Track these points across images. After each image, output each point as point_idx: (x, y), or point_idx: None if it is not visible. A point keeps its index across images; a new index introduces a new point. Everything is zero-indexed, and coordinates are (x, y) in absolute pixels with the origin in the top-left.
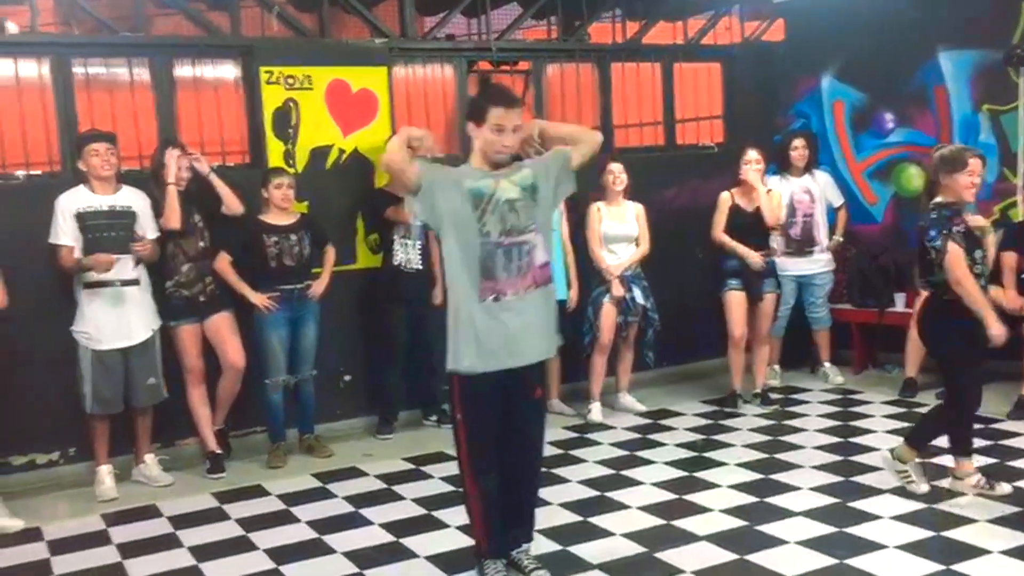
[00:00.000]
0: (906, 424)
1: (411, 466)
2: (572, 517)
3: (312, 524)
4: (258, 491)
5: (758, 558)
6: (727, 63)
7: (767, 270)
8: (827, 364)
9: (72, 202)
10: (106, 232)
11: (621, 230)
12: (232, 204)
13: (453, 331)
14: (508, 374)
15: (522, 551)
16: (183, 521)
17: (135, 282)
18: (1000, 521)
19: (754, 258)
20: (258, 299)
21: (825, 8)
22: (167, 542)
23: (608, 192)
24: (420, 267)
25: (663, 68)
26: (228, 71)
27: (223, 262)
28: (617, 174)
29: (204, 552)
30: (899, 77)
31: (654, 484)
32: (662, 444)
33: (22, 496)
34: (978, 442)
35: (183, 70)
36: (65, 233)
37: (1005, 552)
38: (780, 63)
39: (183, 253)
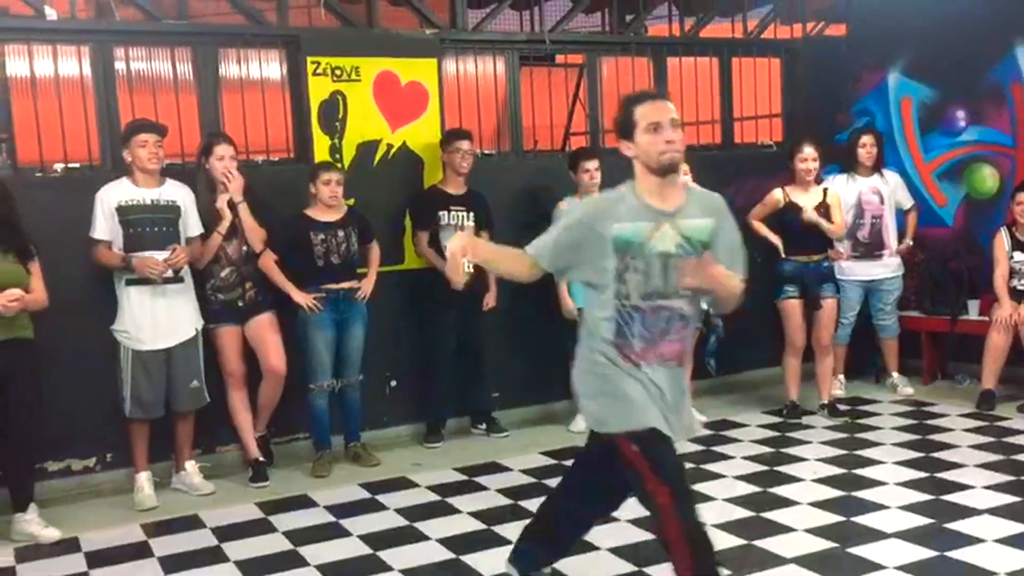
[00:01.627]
0: (990, 438)
1: (463, 477)
2: (643, 535)
3: (365, 539)
4: (305, 501)
5: None
6: (787, 58)
7: (825, 275)
8: (895, 374)
9: (114, 195)
10: (149, 227)
11: None
12: (254, 240)
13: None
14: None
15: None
16: (227, 533)
17: (179, 279)
18: None
19: (774, 240)
20: (303, 299)
21: (890, 6)
22: (212, 556)
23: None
24: (470, 270)
25: (721, 63)
26: (274, 62)
27: (268, 260)
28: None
29: (252, 567)
30: (972, 72)
31: (727, 500)
32: (730, 457)
33: (58, 504)
34: None
35: (228, 60)
36: (104, 228)
37: None
38: (843, 58)
39: (225, 256)
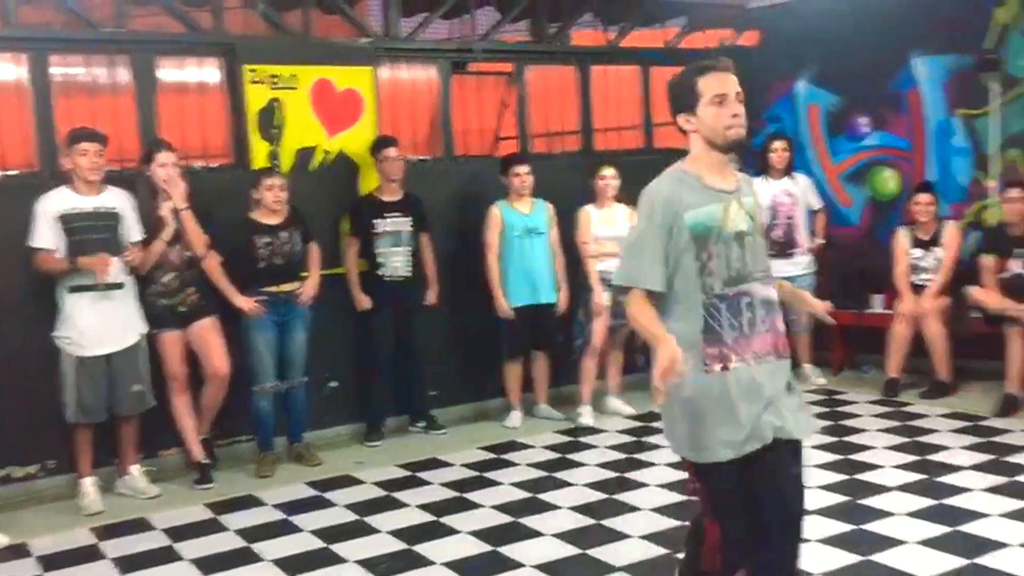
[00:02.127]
0: (896, 423)
1: (407, 472)
2: (585, 520)
3: (317, 533)
4: (252, 501)
5: None
6: None
7: None
8: (807, 365)
9: (55, 204)
10: (91, 234)
11: (612, 232)
12: (198, 246)
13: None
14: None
15: None
16: (179, 533)
17: (120, 285)
18: (1016, 515)
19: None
20: (244, 302)
21: (800, 14)
22: (166, 555)
23: (600, 196)
24: (408, 274)
25: (641, 71)
26: (211, 69)
27: (213, 263)
28: (609, 179)
29: (208, 564)
30: (874, 81)
31: (660, 486)
32: (658, 447)
33: (1, 511)
34: (969, 439)
35: (165, 68)
36: (46, 236)
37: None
38: (755, 67)
39: (167, 261)
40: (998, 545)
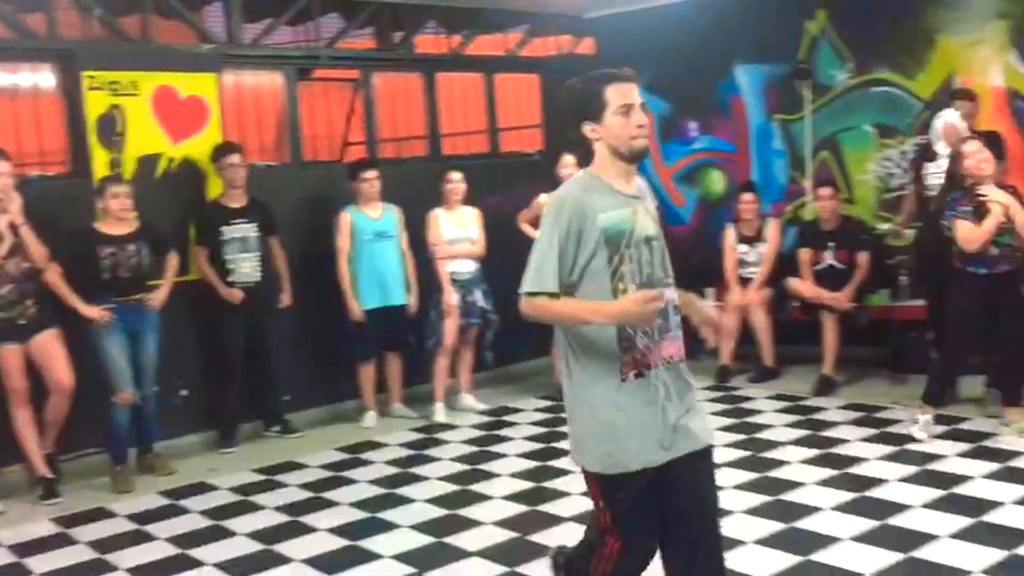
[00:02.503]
0: (728, 405)
1: (263, 476)
2: (441, 511)
3: (172, 540)
4: (103, 513)
5: None
6: (544, 74)
7: None
8: None
9: None
10: None
11: (461, 233)
12: (38, 258)
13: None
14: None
15: None
16: (26, 549)
17: None
18: (829, 483)
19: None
20: (91, 312)
21: (632, 25)
22: (13, 572)
23: (448, 199)
24: (258, 279)
25: (485, 78)
26: (47, 75)
27: (54, 275)
28: (457, 182)
29: None
30: (702, 88)
31: (511, 475)
32: (510, 439)
33: None
34: (791, 417)
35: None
36: None
37: (760, 542)
38: None
39: (4, 274)
40: (813, 510)
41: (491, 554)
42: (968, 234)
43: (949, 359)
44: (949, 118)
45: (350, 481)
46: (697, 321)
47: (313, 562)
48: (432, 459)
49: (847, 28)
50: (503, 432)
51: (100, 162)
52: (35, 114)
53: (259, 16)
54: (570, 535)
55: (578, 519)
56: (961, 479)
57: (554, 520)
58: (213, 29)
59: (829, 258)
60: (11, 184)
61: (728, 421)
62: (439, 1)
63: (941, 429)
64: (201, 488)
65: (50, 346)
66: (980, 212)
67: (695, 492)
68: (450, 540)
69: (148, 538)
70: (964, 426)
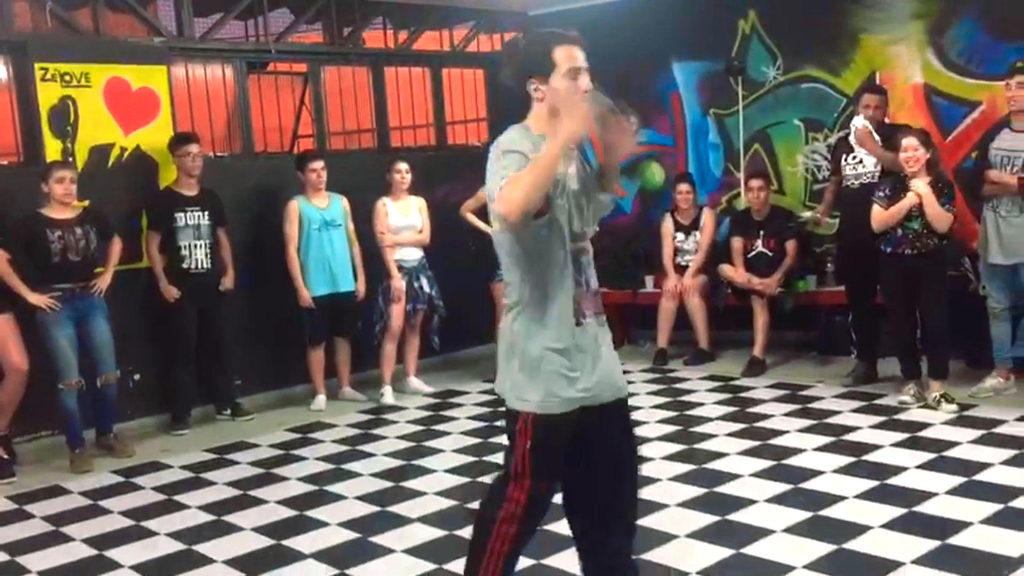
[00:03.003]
0: (664, 386)
1: (215, 455)
2: (387, 484)
3: (126, 514)
4: (58, 490)
5: None
6: (490, 68)
7: None
8: None
9: None
10: None
11: (406, 222)
12: None
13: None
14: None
15: None
16: None
17: None
18: (750, 453)
19: (485, 228)
20: (38, 300)
21: (575, 21)
22: None
23: (394, 188)
24: (209, 266)
25: (432, 72)
26: None
27: (1, 261)
28: (404, 172)
29: (16, 548)
30: (642, 83)
31: (455, 451)
32: (455, 419)
33: None
34: (719, 395)
35: None
36: None
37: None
38: None
39: None
40: (733, 477)
41: (433, 521)
42: (875, 215)
43: (893, 331)
44: (858, 124)
45: (299, 459)
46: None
47: (263, 530)
48: (380, 437)
49: (776, 28)
50: (449, 413)
51: (53, 152)
52: None
53: (209, 10)
54: None
55: None
56: (871, 448)
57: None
58: (164, 23)
59: (760, 246)
60: None
61: (662, 400)
62: None
63: (857, 404)
64: (154, 467)
65: (3, 330)
66: (895, 199)
67: (614, 439)
68: (394, 508)
69: (103, 512)
70: (879, 402)
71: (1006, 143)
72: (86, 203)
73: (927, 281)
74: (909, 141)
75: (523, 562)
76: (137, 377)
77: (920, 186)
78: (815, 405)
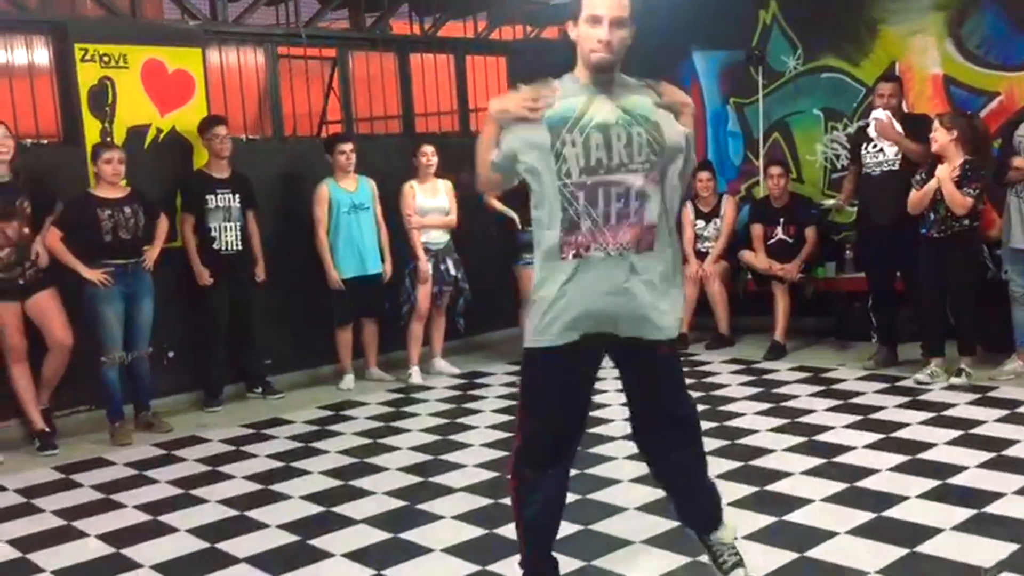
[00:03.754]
0: (687, 369)
1: (251, 431)
2: (424, 457)
3: (174, 483)
4: (102, 462)
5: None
6: (511, 57)
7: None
8: None
9: None
10: None
11: (434, 204)
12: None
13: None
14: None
15: None
16: (35, 492)
17: None
18: (781, 429)
19: (510, 214)
20: (92, 275)
21: None
22: (25, 510)
23: (421, 171)
24: (240, 248)
25: (456, 59)
26: (41, 48)
27: (53, 238)
28: (430, 155)
29: (71, 514)
30: (661, 73)
31: (488, 427)
32: (484, 398)
33: None
34: (744, 378)
35: None
36: None
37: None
38: (558, 57)
39: (4, 237)
40: (767, 451)
41: (472, 490)
42: (910, 199)
43: (922, 311)
44: (880, 116)
45: (336, 434)
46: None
47: (312, 497)
48: (412, 415)
49: (796, 18)
50: (477, 392)
51: (92, 131)
52: (29, 85)
53: None
54: None
55: None
56: (899, 425)
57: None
58: (198, 6)
59: (780, 233)
60: (11, 145)
61: (688, 381)
62: None
63: (881, 385)
64: (193, 440)
65: (48, 305)
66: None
67: (642, 380)
68: (434, 479)
69: (150, 481)
70: (902, 383)
71: None
72: (124, 182)
73: (954, 262)
74: (934, 124)
75: (571, 563)
76: (171, 354)
77: (940, 169)
78: (839, 387)
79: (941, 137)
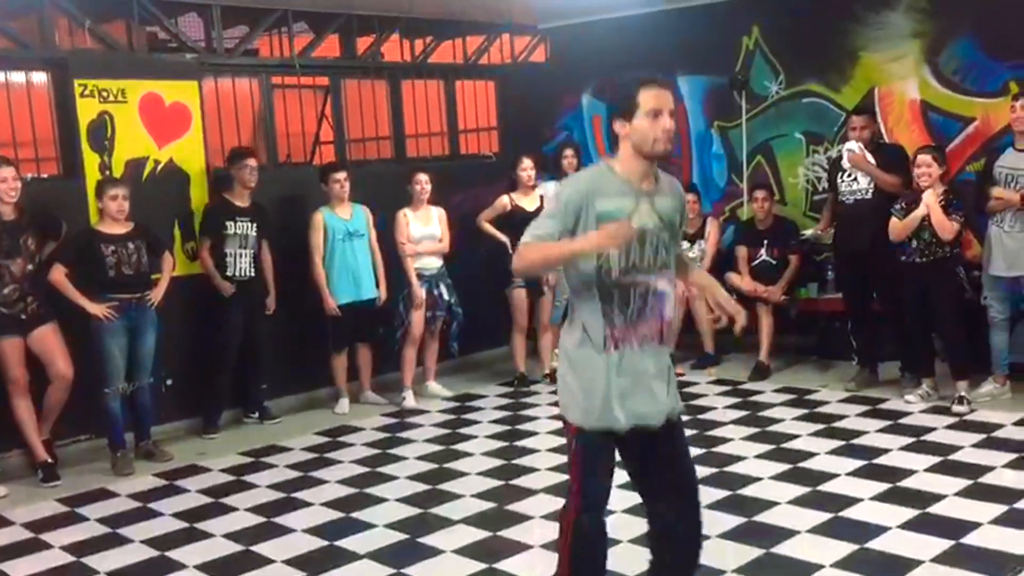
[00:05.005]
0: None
1: (250, 459)
2: (423, 487)
3: (178, 516)
4: (105, 494)
5: None
6: (500, 81)
7: None
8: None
9: None
10: None
11: (427, 231)
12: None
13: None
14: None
15: None
16: (41, 526)
17: None
18: (764, 449)
19: (501, 238)
20: (97, 309)
21: (583, 37)
22: (34, 546)
23: (415, 199)
24: (252, 275)
25: (446, 85)
26: (41, 83)
27: (58, 274)
28: (424, 183)
29: (79, 549)
30: None
31: (484, 454)
32: (477, 422)
33: None
34: (729, 399)
35: None
36: None
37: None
38: (545, 82)
39: (9, 274)
40: (753, 480)
41: (471, 522)
42: (892, 227)
43: (906, 334)
44: (853, 148)
45: (335, 462)
46: (712, 303)
47: (315, 531)
48: (408, 441)
49: (778, 44)
50: (470, 416)
51: (91, 165)
52: (29, 120)
53: (234, 23)
54: (543, 506)
55: (549, 490)
56: (880, 451)
57: (527, 492)
58: (190, 35)
59: (764, 254)
60: (17, 187)
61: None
62: (403, 12)
63: (862, 408)
64: (194, 470)
65: (50, 339)
66: (909, 212)
67: (666, 459)
68: (436, 511)
69: (154, 514)
70: (882, 406)
71: (1009, 161)
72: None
73: (938, 288)
74: (923, 158)
75: None
76: (170, 382)
77: (928, 196)
78: (822, 410)
79: (934, 172)
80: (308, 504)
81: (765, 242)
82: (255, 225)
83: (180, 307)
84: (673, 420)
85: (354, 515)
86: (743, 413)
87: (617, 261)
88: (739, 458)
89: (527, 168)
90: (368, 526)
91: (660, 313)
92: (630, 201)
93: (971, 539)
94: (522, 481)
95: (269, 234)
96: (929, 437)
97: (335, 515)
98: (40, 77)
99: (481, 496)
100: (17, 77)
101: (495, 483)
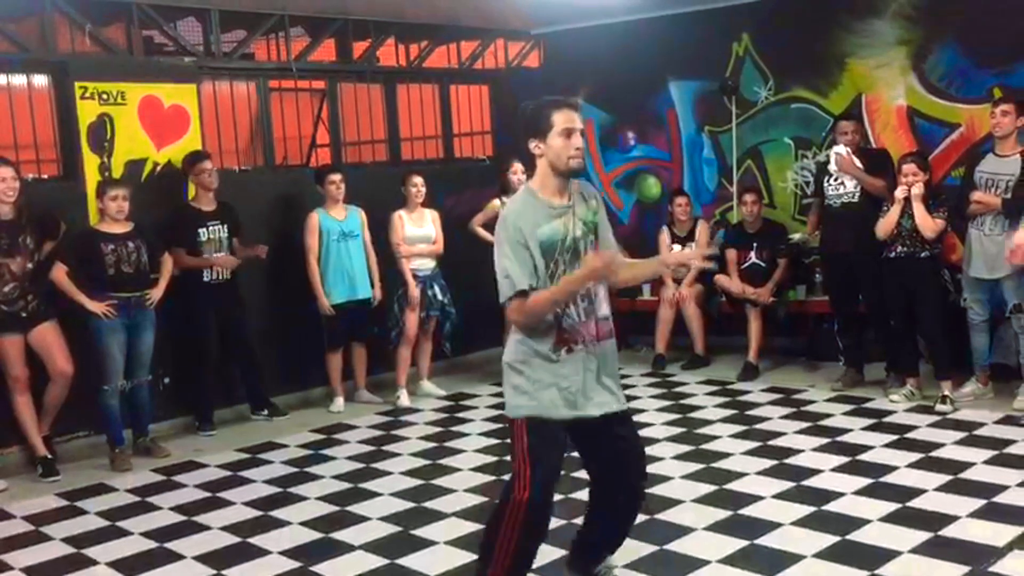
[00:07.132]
0: (664, 390)
1: (247, 455)
2: (415, 482)
3: (176, 509)
4: (104, 488)
5: None
6: (494, 86)
7: None
8: None
9: None
10: None
11: (421, 233)
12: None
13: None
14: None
15: None
16: (41, 519)
17: None
18: (755, 454)
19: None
20: (97, 307)
21: (575, 41)
22: (35, 538)
23: (410, 201)
24: (228, 276)
25: (440, 89)
26: (42, 85)
27: (59, 272)
28: (419, 186)
29: (79, 541)
30: (639, 101)
31: (476, 451)
32: (471, 420)
33: None
34: (718, 399)
35: None
36: None
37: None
38: (538, 86)
39: (9, 272)
40: (739, 475)
41: (463, 515)
42: (878, 227)
43: (890, 333)
44: (841, 152)
45: (329, 458)
46: (652, 273)
47: (311, 524)
48: (402, 438)
49: (768, 51)
50: (463, 415)
51: (91, 167)
52: (30, 122)
53: (232, 27)
54: None
55: None
56: (864, 448)
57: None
58: (189, 40)
59: (753, 257)
60: (16, 186)
61: (665, 403)
62: (399, 18)
63: (848, 408)
64: (192, 465)
65: (50, 336)
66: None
67: (610, 446)
68: (429, 504)
69: (153, 507)
70: (868, 405)
71: (990, 167)
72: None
73: (922, 291)
74: (909, 166)
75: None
76: (167, 380)
77: (915, 188)
78: (809, 408)
79: (921, 179)
80: (303, 498)
81: (755, 244)
82: (226, 227)
83: (175, 307)
84: (621, 412)
85: (349, 508)
86: (731, 412)
87: (561, 273)
88: (726, 454)
89: (518, 172)
90: (363, 519)
91: (597, 310)
92: (559, 222)
93: (949, 531)
94: None
95: (239, 233)
96: (912, 435)
97: (330, 508)
98: (41, 80)
99: (473, 491)
100: (18, 80)
101: (487, 478)
